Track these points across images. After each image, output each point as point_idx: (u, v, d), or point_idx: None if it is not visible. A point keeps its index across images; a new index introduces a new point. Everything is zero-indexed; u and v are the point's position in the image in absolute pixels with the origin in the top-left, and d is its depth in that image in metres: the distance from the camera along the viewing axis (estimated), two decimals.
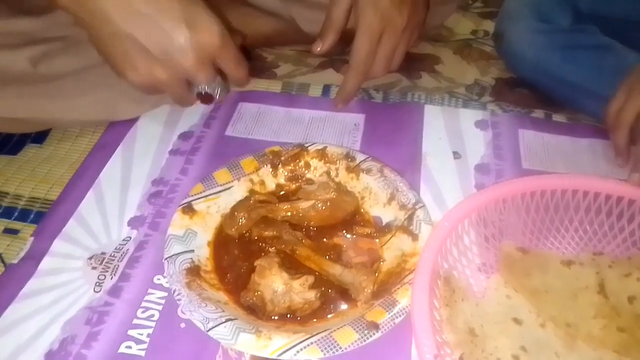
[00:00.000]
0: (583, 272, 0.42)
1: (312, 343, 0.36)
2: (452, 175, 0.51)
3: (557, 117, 0.59)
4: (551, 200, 0.44)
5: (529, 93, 0.64)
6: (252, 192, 0.48)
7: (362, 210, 0.47)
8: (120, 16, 0.42)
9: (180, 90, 0.48)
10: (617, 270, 0.42)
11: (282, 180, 0.49)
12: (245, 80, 0.51)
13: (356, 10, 0.52)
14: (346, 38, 0.54)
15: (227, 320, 0.37)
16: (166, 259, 0.41)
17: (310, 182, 0.49)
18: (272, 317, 0.39)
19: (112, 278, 0.42)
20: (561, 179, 0.45)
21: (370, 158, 0.49)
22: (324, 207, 0.45)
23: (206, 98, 0.49)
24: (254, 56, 0.69)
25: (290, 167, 0.49)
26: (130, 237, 0.46)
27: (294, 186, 0.49)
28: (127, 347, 0.38)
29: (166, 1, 0.42)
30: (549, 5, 0.61)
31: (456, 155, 0.54)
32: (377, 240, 0.44)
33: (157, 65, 0.44)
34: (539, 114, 0.60)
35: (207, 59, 0.45)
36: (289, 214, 0.45)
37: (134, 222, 0.47)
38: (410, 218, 0.44)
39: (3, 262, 0.45)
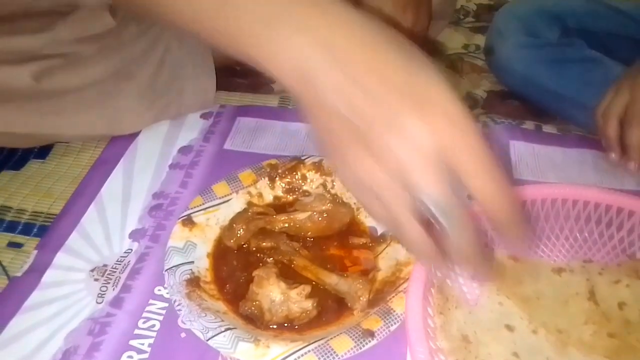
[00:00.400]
0: (573, 279, 0.43)
1: (309, 351, 0.37)
2: None
3: (547, 128, 0.61)
4: (542, 209, 0.45)
5: (519, 105, 0.66)
6: (250, 204, 0.49)
7: (357, 220, 0.48)
8: (330, 84, 0.28)
9: (398, 203, 0.29)
10: (606, 277, 0.43)
11: (279, 193, 0.50)
12: (515, 237, 0.30)
13: None
14: None
15: (226, 330, 0.38)
16: (166, 270, 0.42)
17: (306, 194, 0.50)
18: (271, 326, 0.40)
19: (113, 289, 0.43)
20: (551, 188, 0.46)
21: None
22: (320, 218, 0.46)
23: (435, 230, 0.29)
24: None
25: (287, 180, 0.50)
26: (132, 250, 0.47)
27: (291, 198, 0.50)
28: (128, 357, 0.39)
29: (390, 67, 0.28)
30: (536, 21, 0.63)
31: None
32: (372, 249, 0.45)
33: (364, 153, 0.29)
34: (529, 125, 0.62)
35: (435, 157, 0.27)
36: (286, 225, 0.46)
37: (135, 235, 0.48)
38: None
39: (7, 275, 0.46)
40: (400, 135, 0.28)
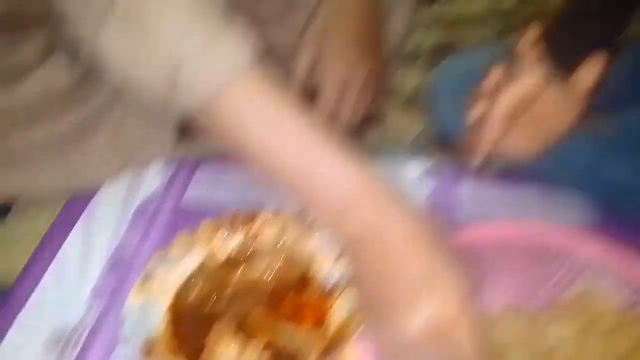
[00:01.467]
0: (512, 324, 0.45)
1: None
2: None
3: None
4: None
5: None
6: (207, 259, 0.50)
7: (310, 275, 0.49)
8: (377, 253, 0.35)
9: None
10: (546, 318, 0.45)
11: (234, 247, 0.51)
12: None
13: (322, 63, 0.56)
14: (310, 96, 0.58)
15: None
16: (124, 330, 0.43)
17: (262, 247, 0.51)
18: None
19: (74, 351, 0.44)
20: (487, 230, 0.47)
21: None
22: (275, 272, 0.47)
23: None
24: None
25: (244, 232, 0.52)
26: (91, 309, 0.47)
27: (247, 253, 0.51)
28: None
29: (426, 258, 0.34)
30: (469, 84, 0.65)
31: None
32: (325, 301, 0.47)
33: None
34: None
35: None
36: (241, 281, 0.47)
37: (95, 294, 0.49)
38: None
39: None
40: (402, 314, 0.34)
